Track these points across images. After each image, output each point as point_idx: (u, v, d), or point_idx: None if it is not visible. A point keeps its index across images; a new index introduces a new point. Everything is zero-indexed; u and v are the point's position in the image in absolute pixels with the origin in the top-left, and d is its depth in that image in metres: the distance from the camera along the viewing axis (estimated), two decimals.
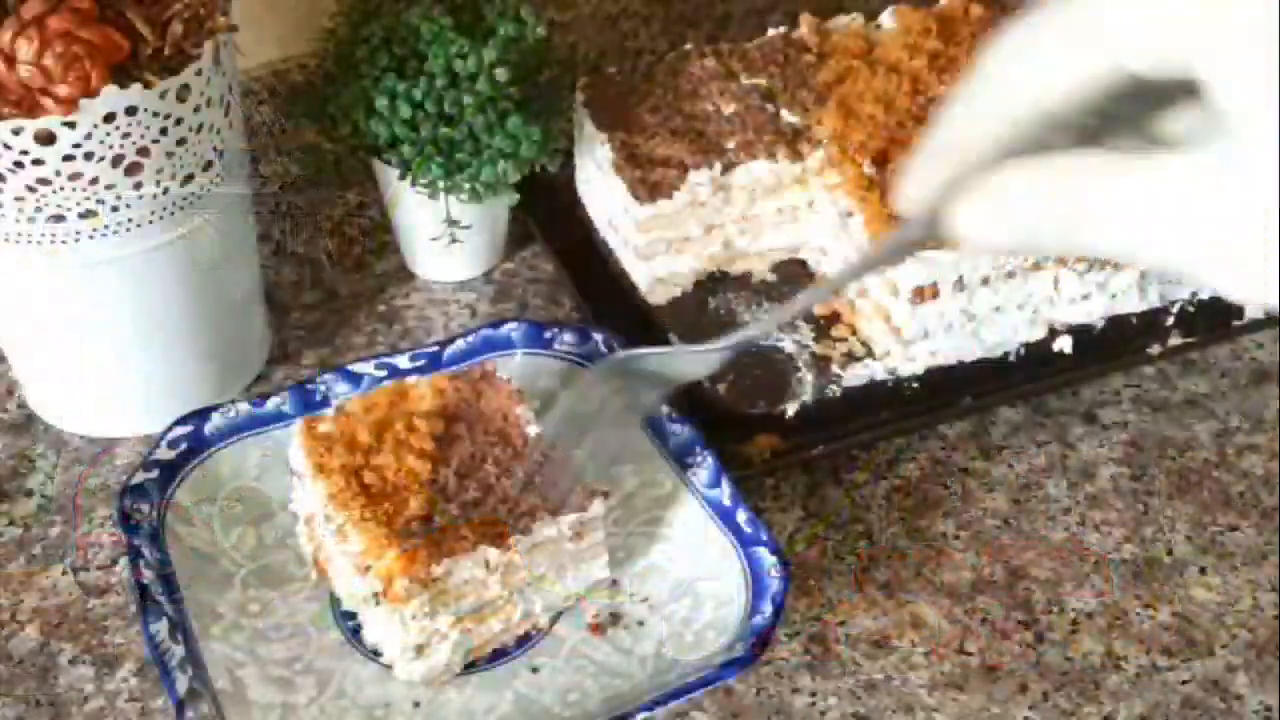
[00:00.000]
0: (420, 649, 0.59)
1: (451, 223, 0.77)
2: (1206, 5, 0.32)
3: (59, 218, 0.62)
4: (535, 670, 0.61)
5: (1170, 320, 0.78)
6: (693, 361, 0.55)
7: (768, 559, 0.62)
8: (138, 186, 0.63)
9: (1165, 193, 0.34)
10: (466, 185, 0.74)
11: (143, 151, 0.62)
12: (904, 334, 0.73)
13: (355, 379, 0.70)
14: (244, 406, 0.68)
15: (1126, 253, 0.35)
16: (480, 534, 0.58)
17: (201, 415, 0.67)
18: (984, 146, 0.38)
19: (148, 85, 0.61)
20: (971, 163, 0.38)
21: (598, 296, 0.79)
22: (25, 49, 0.58)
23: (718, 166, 0.78)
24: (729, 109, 0.80)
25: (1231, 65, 0.32)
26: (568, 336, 0.73)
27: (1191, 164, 0.33)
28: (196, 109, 0.63)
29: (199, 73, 0.63)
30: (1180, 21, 0.32)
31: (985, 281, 0.73)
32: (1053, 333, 0.77)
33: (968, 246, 0.39)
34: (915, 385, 0.75)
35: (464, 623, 0.59)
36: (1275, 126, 0.31)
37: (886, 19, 0.85)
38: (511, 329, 0.73)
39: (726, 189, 0.79)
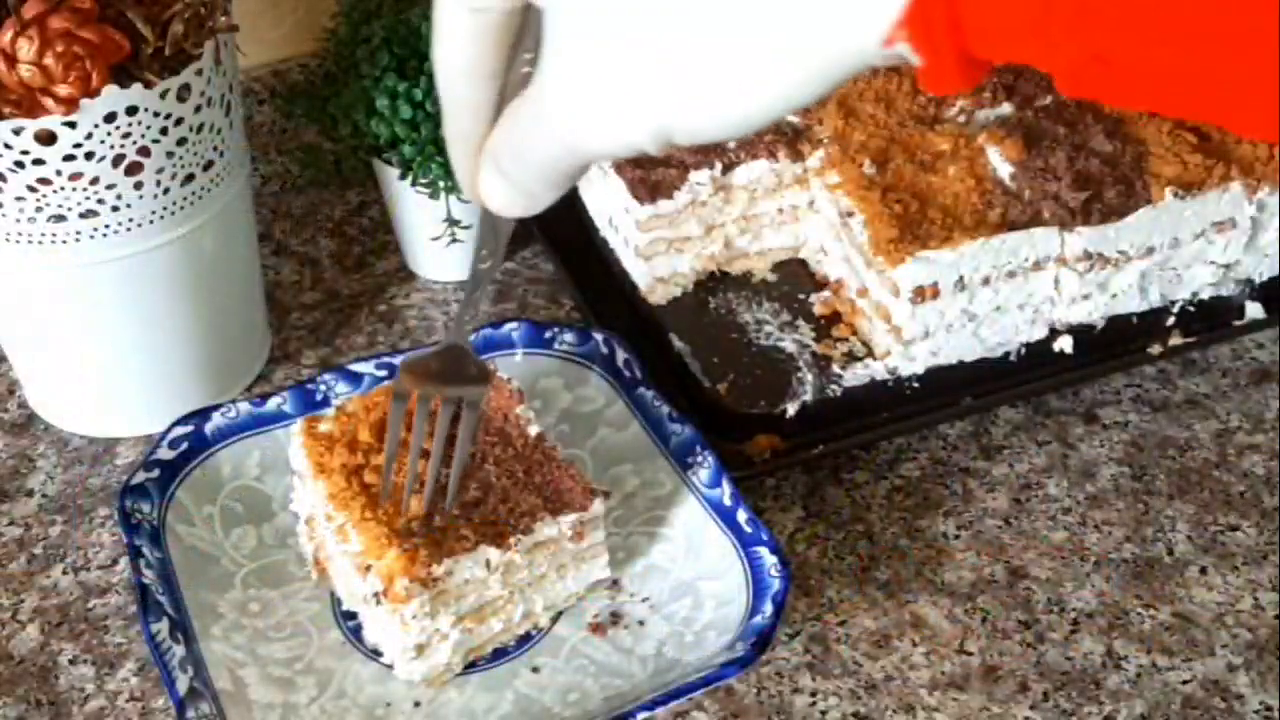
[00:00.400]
0: (420, 649, 0.59)
1: (451, 223, 0.77)
2: None
3: (59, 218, 0.62)
4: (535, 670, 0.61)
5: (1170, 320, 0.78)
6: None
7: (768, 559, 0.61)
8: (138, 186, 0.63)
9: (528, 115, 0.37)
10: None
11: (143, 151, 0.62)
12: (904, 334, 0.73)
13: (355, 379, 0.70)
14: (244, 406, 0.68)
15: (572, 165, 0.38)
16: (480, 534, 0.58)
17: (202, 415, 0.67)
18: (474, 123, 0.41)
19: (148, 85, 0.61)
20: (478, 141, 0.41)
21: (598, 296, 0.79)
22: (26, 49, 0.58)
23: (718, 166, 0.78)
24: None
25: None
26: (568, 336, 0.73)
27: (542, 73, 0.37)
28: (197, 109, 0.63)
29: (199, 72, 0.63)
30: None
31: (986, 281, 0.73)
32: (1053, 333, 0.77)
33: (504, 214, 0.41)
34: (915, 385, 0.75)
35: (464, 622, 0.59)
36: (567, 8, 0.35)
37: None
38: (512, 329, 0.73)
39: (727, 189, 0.79)
